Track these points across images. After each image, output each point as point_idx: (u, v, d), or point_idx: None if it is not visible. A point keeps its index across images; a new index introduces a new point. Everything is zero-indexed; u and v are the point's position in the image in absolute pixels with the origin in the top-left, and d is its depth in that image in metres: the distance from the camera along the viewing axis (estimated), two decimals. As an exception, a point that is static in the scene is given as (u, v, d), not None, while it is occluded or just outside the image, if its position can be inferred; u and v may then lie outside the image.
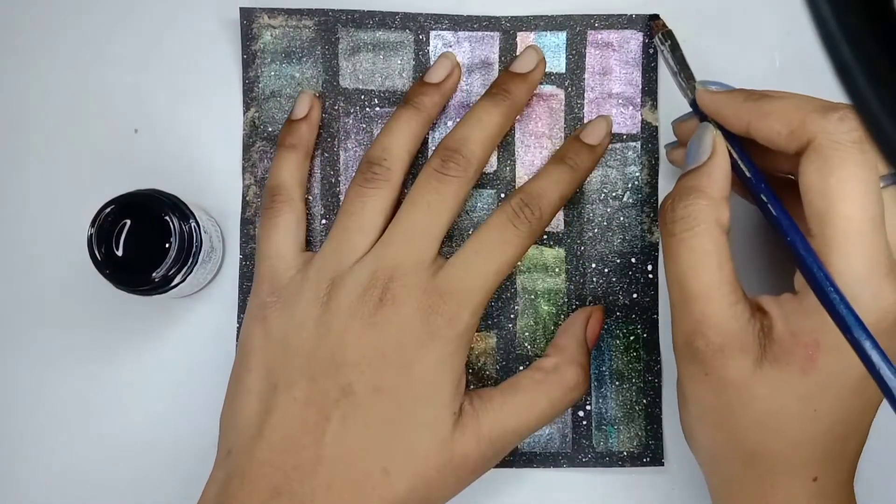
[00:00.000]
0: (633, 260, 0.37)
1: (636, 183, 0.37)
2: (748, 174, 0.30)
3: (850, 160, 0.27)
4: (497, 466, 0.33)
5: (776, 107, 0.29)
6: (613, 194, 0.37)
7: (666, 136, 0.37)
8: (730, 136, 0.31)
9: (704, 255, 0.29)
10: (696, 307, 0.29)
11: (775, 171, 0.32)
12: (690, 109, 0.33)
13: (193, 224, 0.33)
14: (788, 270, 0.30)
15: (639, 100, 0.37)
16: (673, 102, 0.37)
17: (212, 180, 0.37)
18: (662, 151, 0.37)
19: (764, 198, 0.29)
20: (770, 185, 0.30)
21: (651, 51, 0.37)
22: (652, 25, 0.36)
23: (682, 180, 0.30)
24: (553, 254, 0.37)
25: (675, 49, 0.34)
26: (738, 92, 0.30)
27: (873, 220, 0.27)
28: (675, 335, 0.30)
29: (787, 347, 0.28)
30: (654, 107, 0.37)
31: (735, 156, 0.30)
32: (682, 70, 0.33)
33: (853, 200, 0.27)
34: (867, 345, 0.25)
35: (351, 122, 0.37)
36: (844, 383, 0.28)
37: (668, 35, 0.35)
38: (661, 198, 0.37)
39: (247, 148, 0.37)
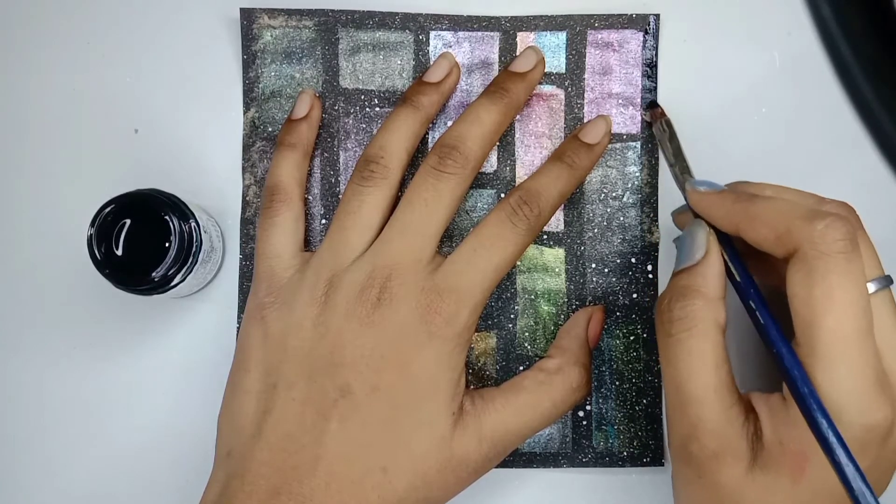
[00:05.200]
0: (633, 260, 0.37)
1: (636, 183, 0.37)
2: (737, 278, 0.30)
3: (836, 270, 0.26)
4: (497, 466, 0.33)
5: (763, 211, 0.28)
6: (613, 194, 0.37)
7: (645, 110, 0.37)
8: (721, 235, 0.30)
9: (702, 357, 0.28)
10: (692, 411, 0.28)
11: (767, 276, 0.31)
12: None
13: (193, 224, 0.33)
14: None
15: (639, 100, 0.37)
16: (673, 102, 0.37)
17: (212, 180, 0.37)
18: (653, 124, 0.37)
19: (752, 304, 0.29)
20: (759, 289, 0.29)
21: (650, 54, 0.37)
22: (652, 113, 0.35)
23: (677, 279, 0.30)
24: (553, 254, 0.37)
25: (673, 139, 0.34)
26: (728, 193, 0.30)
27: (859, 332, 0.26)
28: (670, 435, 0.30)
29: (776, 456, 0.27)
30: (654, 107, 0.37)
31: (725, 257, 0.30)
32: (679, 162, 0.33)
33: (838, 312, 0.26)
34: (848, 470, 0.25)
35: (351, 122, 0.37)
36: (834, 491, 0.27)
37: (668, 124, 0.34)
38: (661, 198, 0.37)
39: (247, 148, 0.37)
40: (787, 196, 0.30)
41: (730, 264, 0.30)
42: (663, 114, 0.35)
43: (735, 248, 0.30)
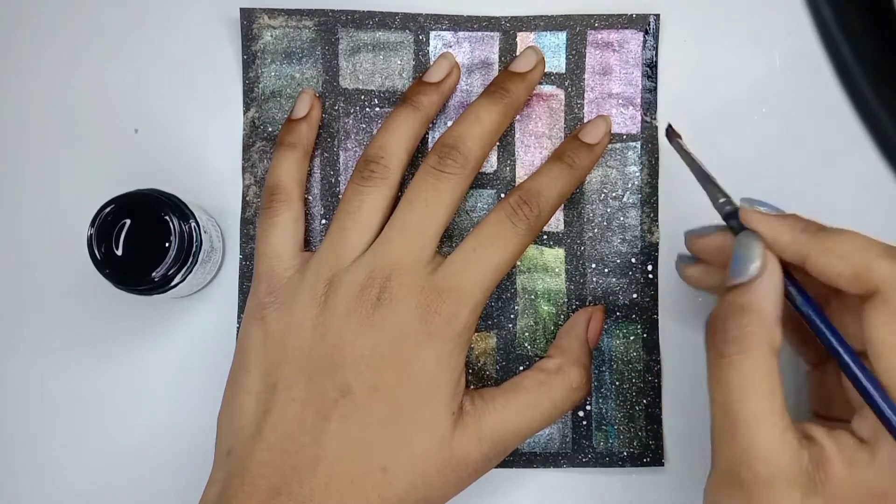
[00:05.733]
0: (633, 260, 0.37)
1: (636, 183, 0.37)
2: (807, 312, 0.28)
3: None
4: (497, 466, 0.33)
5: (838, 245, 0.27)
6: (613, 194, 0.37)
7: (665, 137, 0.37)
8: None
9: (756, 380, 0.27)
10: (744, 435, 0.27)
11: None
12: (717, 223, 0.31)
13: (193, 224, 0.33)
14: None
15: (639, 100, 0.37)
16: (673, 102, 0.37)
17: (212, 180, 0.37)
18: (662, 152, 0.37)
19: (841, 353, 0.27)
20: (827, 318, 0.28)
21: (651, 51, 0.37)
22: (668, 135, 0.33)
23: (732, 296, 0.28)
24: (553, 254, 0.37)
25: (687, 159, 0.32)
26: (797, 219, 0.28)
27: None
28: (716, 459, 0.29)
29: (848, 494, 0.27)
30: (655, 107, 0.37)
31: (793, 291, 0.29)
32: (703, 180, 0.31)
33: None
34: None
35: (351, 122, 0.37)
36: None
37: (679, 145, 0.32)
38: (661, 198, 0.37)
39: (247, 148, 0.37)
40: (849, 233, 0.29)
41: (795, 296, 0.29)
42: (676, 134, 0.33)
43: (795, 278, 0.29)
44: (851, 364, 0.27)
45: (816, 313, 0.28)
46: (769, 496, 0.27)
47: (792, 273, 0.29)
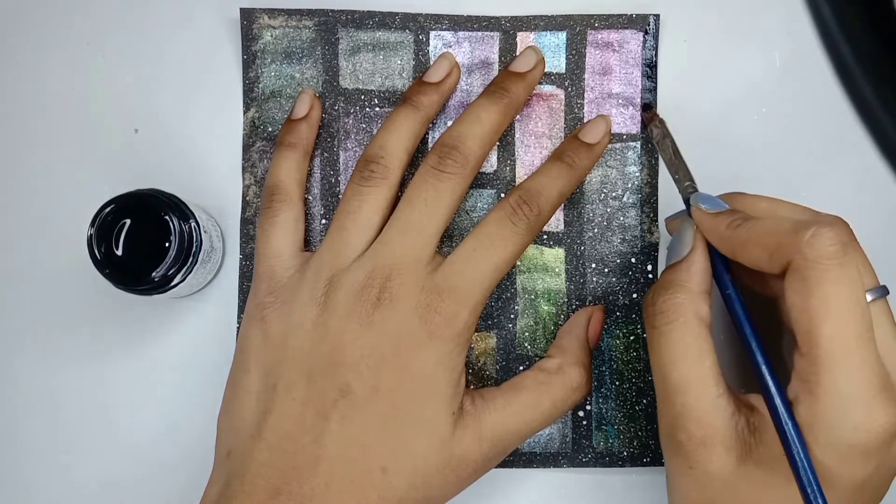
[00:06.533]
0: (633, 260, 0.37)
1: (636, 183, 0.37)
2: (728, 290, 0.30)
3: (829, 278, 0.26)
4: (497, 466, 0.33)
5: (752, 233, 0.29)
6: (613, 194, 0.37)
7: (641, 112, 0.37)
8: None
9: (684, 347, 0.29)
10: (677, 399, 0.29)
11: (770, 293, 0.32)
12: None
13: (193, 224, 0.33)
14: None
15: (639, 100, 0.37)
16: (673, 102, 0.37)
17: (212, 180, 0.37)
18: (647, 127, 0.37)
19: (748, 336, 0.29)
20: (749, 312, 0.30)
21: (651, 52, 0.37)
22: (646, 115, 0.35)
23: (664, 274, 0.31)
24: (553, 254, 0.37)
25: (668, 140, 0.34)
26: (723, 217, 0.30)
27: (859, 336, 0.26)
28: (659, 427, 0.30)
29: (777, 455, 0.28)
30: (654, 107, 0.37)
31: (729, 288, 0.30)
32: (676, 164, 0.33)
33: (836, 318, 0.26)
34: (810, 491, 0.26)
35: (351, 122, 0.37)
36: None
37: (661, 124, 0.34)
38: (661, 198, 0.37)
39: (247, 148, 0.37)
40: (780, 209, 0.31)
41: (718, 266, 0.31)
42: (656, 115, 0.35)
43: (724, 258, 0.31)
44: (760, 363, 0.28)
45: (732, 299, 0.30)
46: (705, 457, 0.28)
47: (733, 268, 0.31)
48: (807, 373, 0.27)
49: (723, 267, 0.30)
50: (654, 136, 0.34)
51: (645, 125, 0.36)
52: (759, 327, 0.29)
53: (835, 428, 0.27)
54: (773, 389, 0.28)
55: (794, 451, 0.27)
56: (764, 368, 0.28)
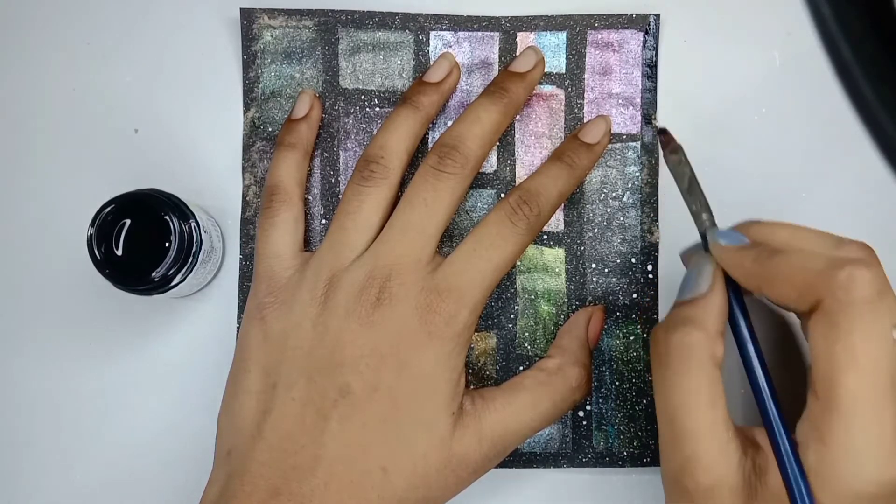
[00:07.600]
0: (633, 260, 0.37)
1: (636, 183, 0.37)
2: (743, 329, 0.29)
3: (859, 325, 0.25)
4: (497, 466, 0.33)
5: (782, 269, 0.27)
6: (613, 194, 0.37)
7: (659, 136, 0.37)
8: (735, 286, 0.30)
9: (698, 391, 0.28)
10: (686, 445, 0.28)
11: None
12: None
13: (193, 224, 0.33)
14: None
15: (639, 100, 0.37)
16: (673, 102, 0.37)
17: (212, 180, 0.37)
18: (662, 152, 0.37)
19: (757, 371, 0.28)
20: (762, 355, 0.29)
21: (652, 51, 0.37)
22: (661, 140, 0.32)
23: (678, 310, 0.29)
24: (553, 254, 0.37)
25: (687, 170, 0.31)
26: (748, 251, 0.29)
27: (881, 390, 0.26)
28: (663, 470, 0.29)
29: (779, 495, 0.27)
30: (654, 107, 0.37)
31: (732, 303, 0.29)
32: (693, 196, 0.31)
33: (860, 372, 0.25)
34: None
35: (351, 122, 0.37)
36: None
37: (676, 151, 0.31)
38: (661, 198, 0.37)
39: (247, 148, 0.37)
40: (803, 239, 0.29)
41: (735, 309, 0.29)
42: (673, 140, 0.32)
43: (742, 299, 0.30)
44: (772, 416, 0.28)
45: (746, 342, 0.29)
46: (711, 503, 0.27)
47: (744, 300, 0.30)
48: (820, 419, 0.26)
49: (740, 310, 0.29)
50: (670, 163, 0.32)
51: (663, 147, 0.33)
52: (759, 331, 0.29)
53: (843, 478, 0.26)
54: (783, 449, 0.27)
55: (798, 500, 0.26)
56: (775, 426, 0.27)
